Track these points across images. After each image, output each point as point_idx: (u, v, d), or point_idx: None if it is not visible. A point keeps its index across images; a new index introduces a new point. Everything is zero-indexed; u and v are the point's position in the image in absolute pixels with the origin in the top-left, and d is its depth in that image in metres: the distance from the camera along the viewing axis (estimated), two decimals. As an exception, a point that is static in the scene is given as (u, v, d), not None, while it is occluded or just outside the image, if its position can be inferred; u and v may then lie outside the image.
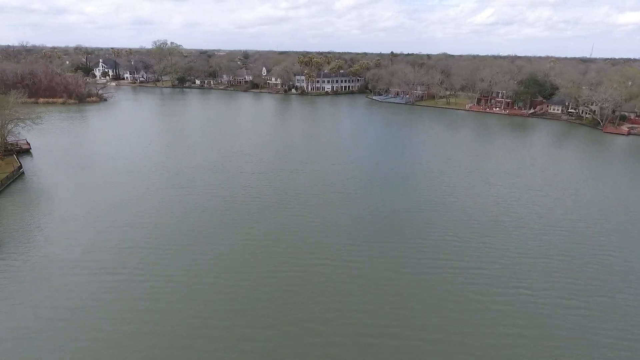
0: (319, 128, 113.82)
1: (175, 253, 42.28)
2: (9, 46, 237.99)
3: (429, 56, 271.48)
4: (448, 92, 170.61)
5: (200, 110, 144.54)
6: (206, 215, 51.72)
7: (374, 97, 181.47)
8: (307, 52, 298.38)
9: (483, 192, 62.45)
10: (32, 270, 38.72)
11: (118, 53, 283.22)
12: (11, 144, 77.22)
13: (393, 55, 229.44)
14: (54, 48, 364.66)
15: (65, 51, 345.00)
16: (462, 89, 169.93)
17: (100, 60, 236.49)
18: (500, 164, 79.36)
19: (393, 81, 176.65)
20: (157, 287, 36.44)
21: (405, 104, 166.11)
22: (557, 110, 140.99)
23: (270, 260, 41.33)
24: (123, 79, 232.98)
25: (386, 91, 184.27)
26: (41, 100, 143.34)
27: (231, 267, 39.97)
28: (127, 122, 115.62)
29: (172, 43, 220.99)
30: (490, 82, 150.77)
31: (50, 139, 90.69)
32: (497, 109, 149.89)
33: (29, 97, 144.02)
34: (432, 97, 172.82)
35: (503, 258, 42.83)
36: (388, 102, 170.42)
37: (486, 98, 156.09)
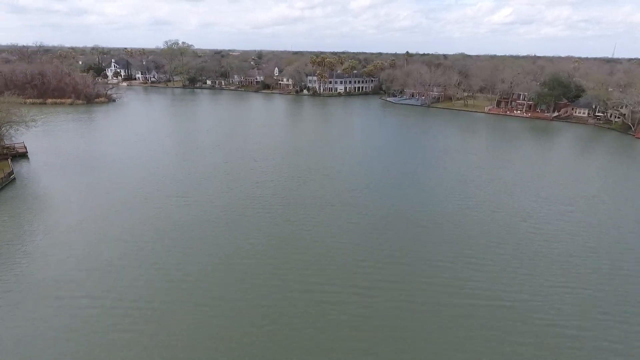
0: (329, 131, 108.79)
1: (169, 273, 37.83)
2: (24, 46, 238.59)
3: (445, 56, 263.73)
4: (466, 94, 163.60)
5: (208, 112, 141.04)
6: (206, 229, 47.21)
7: (388, 99, 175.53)
8: (322, 52, 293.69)
9: (505, 205, 56.54)
10: (5, 293, 34.77)
11: (131, 53, 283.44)
12: (7, 147, 74.29)
13: (408, 55, 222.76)
14: (71, 48, 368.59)
15: (82, 51, 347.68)
16: (481, 90, 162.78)
17: (113, 61, 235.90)
18: (523, 172, 73.05)
19: (408, 82, 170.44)
20: (146, 310, 32.00)
21: (421, 105, 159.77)
22: (583, 113, 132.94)
23: (272, 290, 36.54)
24: (135, 79, 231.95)
25: (401, 92, 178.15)
26: (49, 101, 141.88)
27: (227, 294, 35.31)
28: (133, 123, 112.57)
29: (183, 43, 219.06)
30: (511, 83, 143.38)
31: (51, 141, 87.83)
32: (518, 111, 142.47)
33: (38, 97, 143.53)
34: (449, 98, 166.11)
35: (531, 287, 37.15)
36: (402, 104, 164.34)
37: (506, 100, 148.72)
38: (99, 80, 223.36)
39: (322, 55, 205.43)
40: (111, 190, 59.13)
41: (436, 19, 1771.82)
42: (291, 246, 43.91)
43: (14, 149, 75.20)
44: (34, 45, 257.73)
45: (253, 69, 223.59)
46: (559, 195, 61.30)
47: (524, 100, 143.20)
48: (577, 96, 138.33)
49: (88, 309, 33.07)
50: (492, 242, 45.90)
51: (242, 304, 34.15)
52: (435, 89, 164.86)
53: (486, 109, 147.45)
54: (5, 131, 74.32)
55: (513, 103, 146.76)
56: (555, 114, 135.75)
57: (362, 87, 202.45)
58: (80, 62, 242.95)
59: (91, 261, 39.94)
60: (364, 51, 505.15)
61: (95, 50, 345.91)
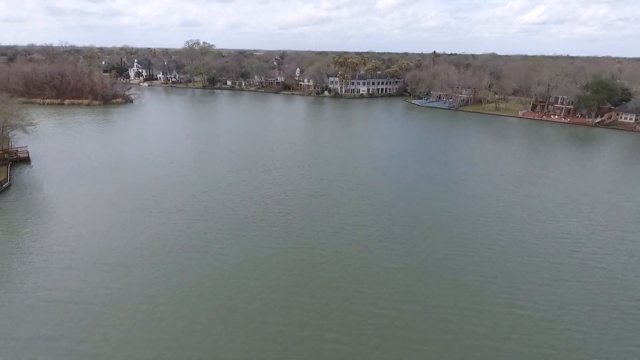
0: (349, 137, 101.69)
1: (157, 313, 31.94)
2: (49, 46, 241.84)
3: (474, 56, 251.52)
4: (497, 97, 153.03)
5: (225, 114, 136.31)
6: (208, 254, 41.20)
7: (413, 101, 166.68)
8: (346, 52, 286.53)
9: (550, 230, 48.15)
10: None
11: (154, 53, 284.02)
12: (9, 151, 70.76)
13: (435, 55, 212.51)
14: (100, 49, 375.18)
15: (111, 51, 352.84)
16: (515, 93, 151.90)
17: (135, 61, 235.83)
18: (568, 189, 63.97)
19: (435, 83, 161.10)
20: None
21: (448, 109, 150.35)
22: (630, 119, 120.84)
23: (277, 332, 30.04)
24: (156, 79, 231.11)
25: (427, 94, 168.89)
26: (67, 101, 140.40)
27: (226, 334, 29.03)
28: (146, 126, 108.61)
29: (204, 43, 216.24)
30: (548, 85, 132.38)
31: (57, 145, 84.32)
32: (556, 116, 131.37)
33: (56, 98, 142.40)
34: (479, 101, 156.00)
35: (583, 338, 29.22)
36: (428, 107, 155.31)
37: (542, 104, 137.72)
38: (121, 80, 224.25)
39: (344, 55, 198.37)
40: (109, 201, 54.10)
41: (464, 18, 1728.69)
42: (296, 279, 37.30)
43: (15, 153, 71.61)
44: (60, 45, 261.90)
45: (274, 69, 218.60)
46: (614, 219, 52.31)
47: (562, 104, 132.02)
48: (623, 100, 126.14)
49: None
50: (543, 279, 37.90)
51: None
52: (464, 91, 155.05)
53: (520, 113, 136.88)
54: (5, 134, 70.77)
55: (550, 107, 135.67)
56: (598, 119, 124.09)
57: (386, 89, 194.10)
58: (103, 62, 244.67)
59: (78, 298, 34.47)
60: (389, 51, 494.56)
61: (124, 50, 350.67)
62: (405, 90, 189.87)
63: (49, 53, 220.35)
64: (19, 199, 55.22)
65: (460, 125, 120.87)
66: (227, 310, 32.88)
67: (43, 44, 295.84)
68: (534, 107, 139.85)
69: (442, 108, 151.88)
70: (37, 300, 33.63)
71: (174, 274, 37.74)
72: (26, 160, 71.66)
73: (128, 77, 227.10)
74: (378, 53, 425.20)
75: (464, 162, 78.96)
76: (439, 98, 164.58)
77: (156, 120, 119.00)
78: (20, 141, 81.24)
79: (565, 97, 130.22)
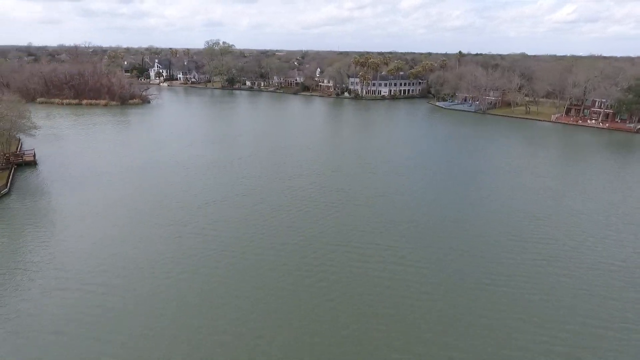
0: (368, 142, 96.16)
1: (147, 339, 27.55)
2: (75, 46, 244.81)
3: (502, 56, 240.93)
4: (527, 99, 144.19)
5: (241, 116, 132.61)
6: (209, 284, 36.74)
7: (437, 103, 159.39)
8: (368, 52, 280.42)
9: (603, 259, 41.55)
10: None
11: (176, 53, 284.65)
12: (13, 155, 68.41)
13: (461, 55, 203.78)
14: (127, 48, 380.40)
15: (136, 51, 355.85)
16: (547, 95, 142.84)
17: (156, 61, 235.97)
18: (613, 206, 56.73)
19: (461, 85, 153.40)
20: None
21: (475, 112, 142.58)
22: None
23: None
24: (176, 79, 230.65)
25: (452, 96, 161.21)
26: (85, 101, 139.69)
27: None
28: (160, 127, 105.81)
29: (224, 43, 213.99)
30: (585, 88, 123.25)
31: (68, 147, 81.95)
32: (593, 121, 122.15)
33: (74, 98, 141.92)
34: (508, 104, 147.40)
35: None
36: (454, 110, 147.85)
37: (578, 107, 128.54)
38: (142, 80, 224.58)
39: (365, 55, 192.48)
40: (108, 212, 50.43)
41: (491, 17, 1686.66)
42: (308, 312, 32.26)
43: (21, 157, 69.25)
44: (84, 45, 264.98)
45: (293, 69, 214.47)
46: (676, 245, 45.14)
47: (599, 107, 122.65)
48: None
49: None
50: (582, 305, 31.71)
51: None
52: (491, 93, 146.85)
53: (553, 118, 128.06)
54: (12, 137, 68.49)
55: (586, 111, 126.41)
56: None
57: (408, 90, 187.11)
58: (125, 62, 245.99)
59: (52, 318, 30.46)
60: (412, 51, 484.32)
61: (148, 50, 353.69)
62: (429, 92, 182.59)
63: (73, 53, 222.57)
64: (17, 207, 52.22)
65: (489, 130, 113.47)
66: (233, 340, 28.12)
67: (72, 45, 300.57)
68: (568, 111, 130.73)
69: (469, 111, 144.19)
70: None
71: (170, 293, 33.32)
72: (32, 163, 69.19)
73: (148, 77, 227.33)
74: (401, 53, 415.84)
75: (496, 172, 72.30)
76: (465, 100, 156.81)
77: (171, 121, 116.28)
78: (30, 143, 79.46)
79: (604, 100, 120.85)
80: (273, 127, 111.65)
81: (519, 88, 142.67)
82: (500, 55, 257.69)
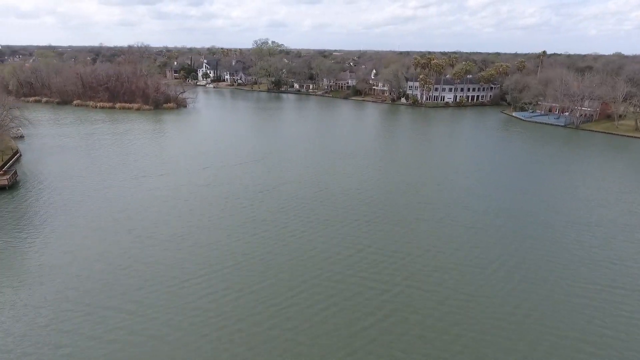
0: (429, 162, 74.67)
1: None
2: (130, 46, 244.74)
3: (594, 57, 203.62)
4: (636, 111, 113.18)
5: (283, 127, 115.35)
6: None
7: (514, 114, 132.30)
8: (430, 52, 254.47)
9: None
10: None
11: (227, 53, 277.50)
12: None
13: (544, 54, 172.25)
14: (189, 49, 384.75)
15: (199, 52, 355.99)
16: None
17: (204, 61, 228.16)
18: None
19: (547, 92, 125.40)
20: None
21: (565, 126, 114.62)
22: None
23: None
24: (223, 80, 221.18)
25: (533, 105, 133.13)
26: (118, 105, 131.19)
27: None
28: (188, 140, 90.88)
29: (273, 42, 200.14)
30: None
31: (65, 162, 69.60)
32: None
33: (108, 101, 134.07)
34: (607, 117, 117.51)
35: None
36: (537, 123, 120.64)
37: None
38: (189, 81, 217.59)
39: (428, 56, 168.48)
40: (86, 249, 35.16)
41: (569, 15, 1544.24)
42: None
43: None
44: (136, 45, 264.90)
45: (345, 71, 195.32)
46: None
47: None
48: None
49: None
50: None
51: None
52: (586, 103, 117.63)
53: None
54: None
55: None
56: None
57: (477, 97, 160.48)
58: (175, 63, 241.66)
59: None
60: (478, 51, 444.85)
61: (210, 50, 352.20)
62: (502, 99, 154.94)
63: (124, 53, 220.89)
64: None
65: (589, 154, 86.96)
66: None
67: (139, 45, 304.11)
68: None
69: (556, 125, 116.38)
70: None
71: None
72: (5, 188, 56.71)
73: (196, 78, 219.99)
74: (466, 53, 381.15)
75: (606, 222, 48.36)
76: (550, 111, 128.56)
77: (200, 132, 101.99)
78: (30, 156, 68.50)
79: None
80: (321, 139, 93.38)
81: (627, 98, 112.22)
82: (591, 55, 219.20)
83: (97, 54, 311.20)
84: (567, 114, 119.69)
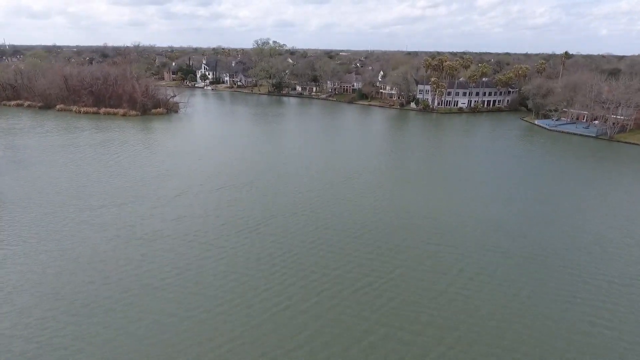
0: (441, 182, 62.83)
1: None
2: (125, 46, 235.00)
3: (619, 58, 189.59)
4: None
5: (281, 137, 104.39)
6: None
7: (536, 121, 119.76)
8: (439, 53, 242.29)
9: None
10: None
11: (228, 53, 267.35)
12: None
13: (567, 56, 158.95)
14: (195, 49, 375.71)
15: (204, 52, 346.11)
16: None
17: (203, 62, 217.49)
18: None
19: (575, 98, 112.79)
20: None
21: (596, 137, 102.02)
22: None
23: None
24: (223, 82, 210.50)
25: (558, 112, 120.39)
26: (103, 110, 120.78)
27: None
28: (167, 155, 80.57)
29: (274, 42, 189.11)
30: None
31: (21, 184, 58.95)
32: None
33: (93, 106, 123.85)
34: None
35: None
36: (563, 132, 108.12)
37: None
38: (187, 83, 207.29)
39: (439, 57, 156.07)
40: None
41: (580, 14, 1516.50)
42: None
43: None
44: (140, 44, 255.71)
45: (351, 73, 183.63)
46: None
47: None
48: None
49: None
50: None
51: None
52: (620, 111, 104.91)
53: None
54: None
55: None
56: None
57: (493, 102, 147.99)
58: (173, 64, 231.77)
59: None
60: (487, 51, 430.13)
61: (217, 50, 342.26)
62: (522, 105, 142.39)
63: (120, 53, 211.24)
64: None
65: (619, 167, 74.95)
66: None
67: (146, 45, 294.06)
68: None
69: (587, 135, 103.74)
70: None
71: None
72: None
73: (195, 79, 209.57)
74: (476, 53, 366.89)
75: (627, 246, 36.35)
76: (577, 119, 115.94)
77: (185, 143, 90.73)
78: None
79: None
80: (322, 153, 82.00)
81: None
82: (618, 56, 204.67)
83: (102, 53, 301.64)
84: (596, 122, 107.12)
